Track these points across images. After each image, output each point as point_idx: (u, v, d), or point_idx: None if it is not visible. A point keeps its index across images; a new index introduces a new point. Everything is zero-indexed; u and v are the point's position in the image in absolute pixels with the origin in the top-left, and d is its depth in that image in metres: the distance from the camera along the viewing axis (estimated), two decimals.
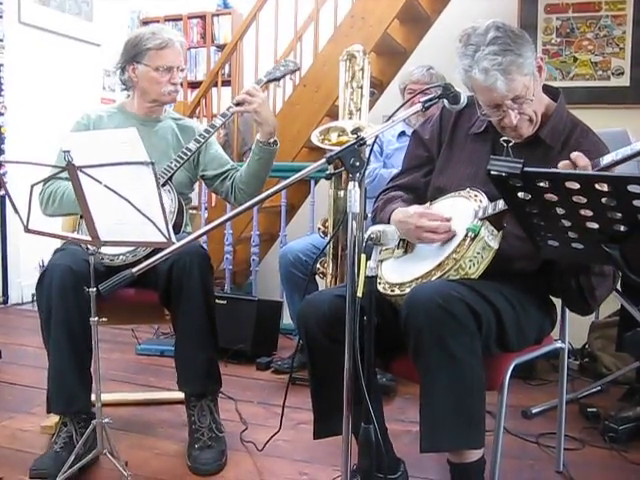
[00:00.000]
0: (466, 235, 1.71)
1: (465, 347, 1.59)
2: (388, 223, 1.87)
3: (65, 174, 2.21)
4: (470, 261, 1.70)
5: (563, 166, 1.52)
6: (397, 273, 1.82)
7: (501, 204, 1.69)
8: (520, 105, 1.75)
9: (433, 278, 1.71)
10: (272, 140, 2.38)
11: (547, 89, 1.88)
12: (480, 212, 1.73)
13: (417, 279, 1.74)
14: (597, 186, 1.23)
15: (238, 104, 2.33)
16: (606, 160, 1.51)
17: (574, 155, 1.51)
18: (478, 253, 1.70)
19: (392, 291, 1.78)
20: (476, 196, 1.79)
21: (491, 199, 1.74)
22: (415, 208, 1.84)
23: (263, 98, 2.32)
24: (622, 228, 1.30)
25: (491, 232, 1.71)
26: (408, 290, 1.72)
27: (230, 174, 2.51)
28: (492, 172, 1.33)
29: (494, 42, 1.69)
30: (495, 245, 1.71)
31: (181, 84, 2.54)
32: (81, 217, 2.35)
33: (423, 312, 1.60)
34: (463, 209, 1.78)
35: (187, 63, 6.02)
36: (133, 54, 2.42)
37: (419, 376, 1.66)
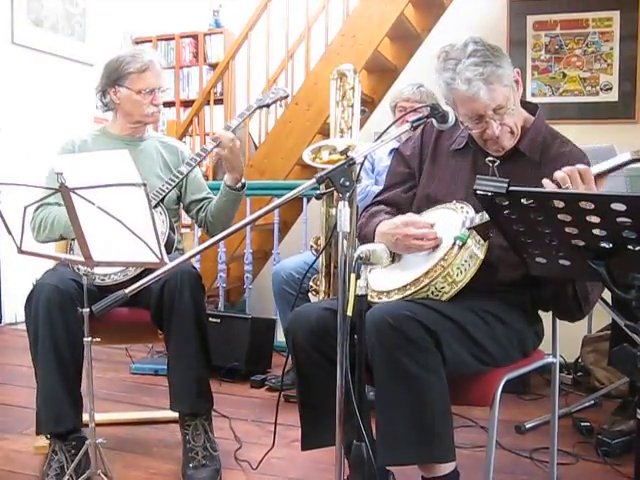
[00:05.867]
0: (454, 243, 1.73)
1: (420, 364, 1.61)
2: (373, 237, 1.89)
3: (55, 199, 2.22)
4: (458, 269, 1.72)
5: (546, 184, 1.54)
6: (385, 281, 1.83)
7: (487, 214, 1.71)
8: (501, 116, 1.79)
9: (421, 285, 1.72)
10: (239, 185, 2.40)
11: (526, 105, 1.92)
12: (467, 222, 1.76)
13: (405, 286, 1.75)
14: (582, 204, 1.25)
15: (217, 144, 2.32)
16: (594, 170, 1.56)
17: (560, 176, 1.54)
18: (465, 261, 1.73)
19: (379, 299, 1.79)
20: (462, 207, 1.82)
21: (477, 210, 1.76)
22: (400, 218, 1.86)
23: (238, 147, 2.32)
24: (607, 245, 1.32)
25: (478, 241, 1.75)
26: (396, 297, 1.75)
27: (204, 205, 2.53)
28: (478, 192, 1.36)
29: (474, 54, 1.74)
30: (481, 255, 1.74)
31: (163, 104, 2.56)
32: (73, 239, 2.36)
33: (374, 332, 1.63)
34: (450, 220, 1.81)
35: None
36: (115, 78, 2.44)
37: (375, 393, 1.70)
